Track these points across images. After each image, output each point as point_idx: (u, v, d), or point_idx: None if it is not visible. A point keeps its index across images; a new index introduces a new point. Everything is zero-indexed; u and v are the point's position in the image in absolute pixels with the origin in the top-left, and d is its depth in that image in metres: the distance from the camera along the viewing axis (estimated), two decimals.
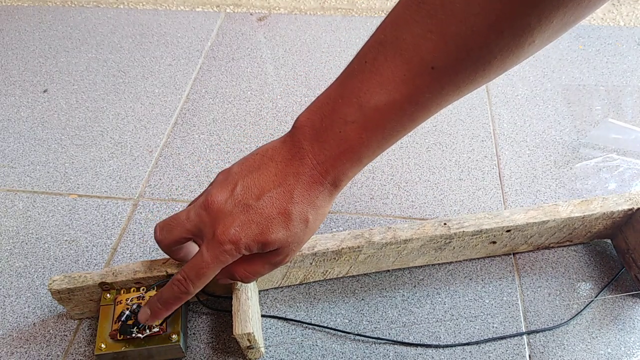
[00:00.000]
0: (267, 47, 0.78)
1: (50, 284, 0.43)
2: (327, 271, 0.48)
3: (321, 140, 0.32)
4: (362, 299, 0.49)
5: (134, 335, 0.41)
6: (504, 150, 0.62)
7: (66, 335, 0.47)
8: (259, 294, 0.49)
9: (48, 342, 0.47)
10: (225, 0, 0.87)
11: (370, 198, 0.58)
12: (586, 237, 0.51)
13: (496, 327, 0.46)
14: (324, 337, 0.46)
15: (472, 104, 0.68)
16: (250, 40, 0.79)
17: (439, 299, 0.48)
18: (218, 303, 0.48)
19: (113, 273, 0.44)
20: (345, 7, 0.85)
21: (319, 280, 0.50)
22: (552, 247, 0.52)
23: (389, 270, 0.51)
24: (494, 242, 0.49)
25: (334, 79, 0.32)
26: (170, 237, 0.37)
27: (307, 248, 0.45)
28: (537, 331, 0.46)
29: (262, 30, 0.81)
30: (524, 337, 0.46)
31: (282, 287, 0.50)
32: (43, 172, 0.61)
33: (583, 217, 0.47)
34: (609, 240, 0.52)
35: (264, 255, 0.36)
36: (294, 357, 0.45)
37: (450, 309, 0.48)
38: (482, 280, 0.50)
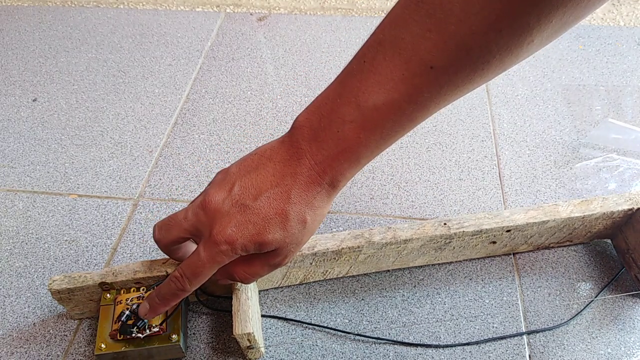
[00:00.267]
0: (267, 47, 0.78)
1: (50, 284, 0.43)
2: (327, 271, 0.48)
3: (319, 140, 0.32)
4: (362, 299, 0.49)
5: (134, 335, 0.41)
6: (504, 150, 0.62)
7: (66, 335, 0.47)
8: (259, 294, 0.49)
9: (48, 342, 0.47)
10: (225, 0, 0.87)
11: (370, 198, 0.58)
12: (586, 237, 0.51)
13: (496, 327, 0.46)
14: (324, 337, 0.46)
15: (472, 104, 0.67)
16: (250, 40, 0.79)
17: (439, 299, 0.48)
18: (218, 303, 0.48)
19: (113, 273, 0.44)
20: (345, 7, 0.85)
21: (319, 280, 0.50)
22: (552, 247, 0.52)
23: (389, 270, 0.51)
24: (494, 242, 0.49)
25: (334, 79, 0.32)
26: (168, 236, 0.37)
27: (307, 248, 0.45)
28: (537, 331, 0.46)
29: (262, 30, 0.81)
30: (524, 337, 0.46)
31: (282, 287, 0.50)
32: (43, 172, 0.61)
33: (583, 217, 0.47)
34: (609, 240, 0.52)
35: (263, 256, 0.36)
36: (294, 357, 0.45)
37: (450, 309, 0.48)
38: (482, 280, 0.50)
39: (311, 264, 0.46)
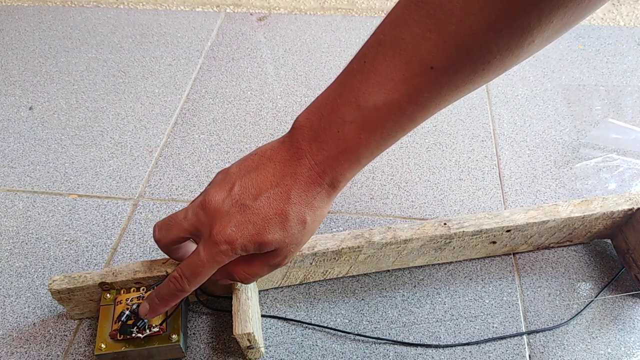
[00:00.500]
0: (267, 47, 0.78)
1: (50, 284, 0.43)
2: (327, 271, 0.48)
3: (319, 141, 0.32)
4: (362, 299, 0.49)
5: (134, 335, 0.41)
6: (504, 150, 0.62)
7: (66, 335, 0.47)
8: (259, 294, 0.49)
9: (48, 342, 0.47)
10: (225, 0, 0.87)
11: (370, 198, 0.58)
12: (586, 237, 0.51)
13: (496, 327, 0.46)
14: (324, 337, 0.46)
15: (472, 104, 0.67)
16: (250, 40, 0.79)
17: (439, 299, 0.48)
18: (218, 303, 0.48)
19: (113, 273, 0.44)
20: (345, 7, 0.85)
21: (319, 280, 0.50)
22: (552, 247, 0.52)
23: (389, 270, 0.51)
24: (494, 242, 0.49)
25: (334, 79, 0.32)
26: (168, 236, 0.37)
27: (307, 248, 0.45)
28: (537, 331, 0.46)
29: (262, 30, 0.81)
30: (524, 337, 0.46)
31: (282, 287, 0.50)
32: (43, 172, 0.61)
33: (583, 217, 0.47)
34: (609, 240, 0.52)
35: (263, 257, 0.36)
36: (294, 357, 0.45)
37: (450, 309, 0.48)
38: (482, 280, 0.50)
39: (311, 264, 0.46)
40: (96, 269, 0.50)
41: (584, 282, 0.49)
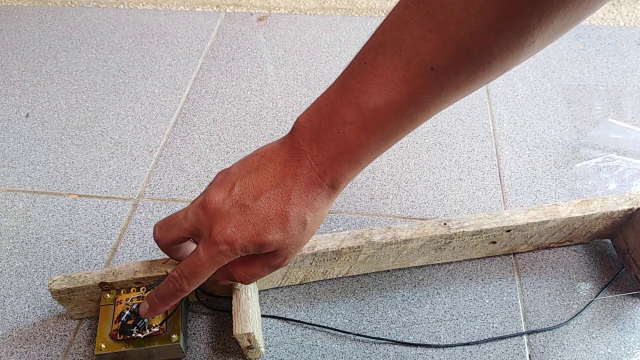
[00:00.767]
0: (267, 47, 0.78)
1: (50, 284, 0.43)
2: (327, 271, 0.48)
3: (320, 142, 0.32)
4: (362, 299, 0.49)
5: (134, 335, 0.41)
6: (504, 150, 0.62)
7: (66, 335, 0.47)
8: (259, 294, 0.49)
9: (48, 342, 0.47)
10: (225, 0, 0.87)
11: (370, 198, 0.58)
12: (586, 237, 0.51)
13: (496, 327, 0.46)
14: (324, 337, 0.46)
15: (472, 104, 0.68)
16: (250, 40, 0.79)
17: (439, 299, 0.48)
18: (218, 303, 0.48)
19: (113, 273, 0.44)
20: (345, 7, 0.85)
21: (319, 280, 0.50)
22: (552, 247, 0.52)
23: (389, 270, 0.51)
24: (494, 242, 0.49)
25: (334, 79, 0.32)
26: (168, 236, 0.37)
27: (307, 248, 0.45)
28: (537, 331, 0.46)
29: (262, 30, 0.81)
30: (524, 337, 0.46)
31: (282, 287, 0.50)
32: (43, 172, 0.61)
33: (583, 217, 0.47)
34: (609, 240, 0.52)
35: (263, 257, 0.36)
36: (294, 357, 0.45)
37: (450, 309, 0.48)
38: (482, 280, 0.50)
39: (311, 264, 0.46)
40: (96, 269, 0.50)
41: (584, 282, 0.49)
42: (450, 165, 0.61)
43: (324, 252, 0.45)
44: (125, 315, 0.42)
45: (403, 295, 0.49)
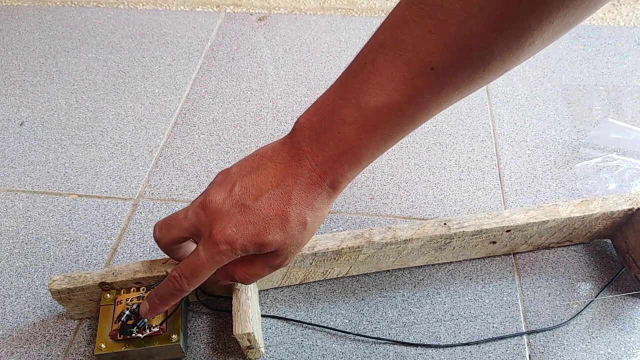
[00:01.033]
0: (267, 47, 0.78)
1: (50, 284, 0.43)
2: (327, 271, 0.48)
3: (320, 142, 0.32)
4: (362, 299, 0.49)
5: (134, 335, 0.41)
6: (504, 150, 0.62)
7: (66, 335, 0.47)
8: (259, 294, 0.49)
9: (48, 342, 0.47)
10: (225, 0, 0.87)
11: (370, 198, 0.58)
12: (586, 237, 0.51)
13: (496, 327, 0.46)
14: (324, 337, 0.46)
15: (472, 104, 0.68)
16: (250, 40, 0.79)
17: (439, 299, 0.48)
18: (218, 303, 0.48)
19: (113, 273, 0.44)
20: (345, 7, 0.85)
21: (319, 280, 0.50)
22: (552, 247, 0.52)
23: (389, 270, 0.51)
24: (494, 242, 0.49)
25: (334, 79, 0.32)
26: (168, 236, 0.37)
27: (307, 248, 0.45)
28: (537, 331, 0.46)
29: (262, 30, 0.81)
30: (524, 337, 0.46)
31: (282, 287, 0.50)
32: (43, 172, 0.61)
33: (583, 217, 0.47)
34: (609, 240, 0.52)
35: (263, 257, 0.36)
36: (294, 357, 0.45)
37: (450, 309, 0.48)
38: (482, 280, 0.50)
39: (311, 264, 0.46)
40: (96, 269, 0.50)
41: (584, 282, 0.49)
42: (450, 165, 0.61)
43: (324, 252, 0.45)
44: (125, 315, 0.42)
45: (403, 295, 0.49)
